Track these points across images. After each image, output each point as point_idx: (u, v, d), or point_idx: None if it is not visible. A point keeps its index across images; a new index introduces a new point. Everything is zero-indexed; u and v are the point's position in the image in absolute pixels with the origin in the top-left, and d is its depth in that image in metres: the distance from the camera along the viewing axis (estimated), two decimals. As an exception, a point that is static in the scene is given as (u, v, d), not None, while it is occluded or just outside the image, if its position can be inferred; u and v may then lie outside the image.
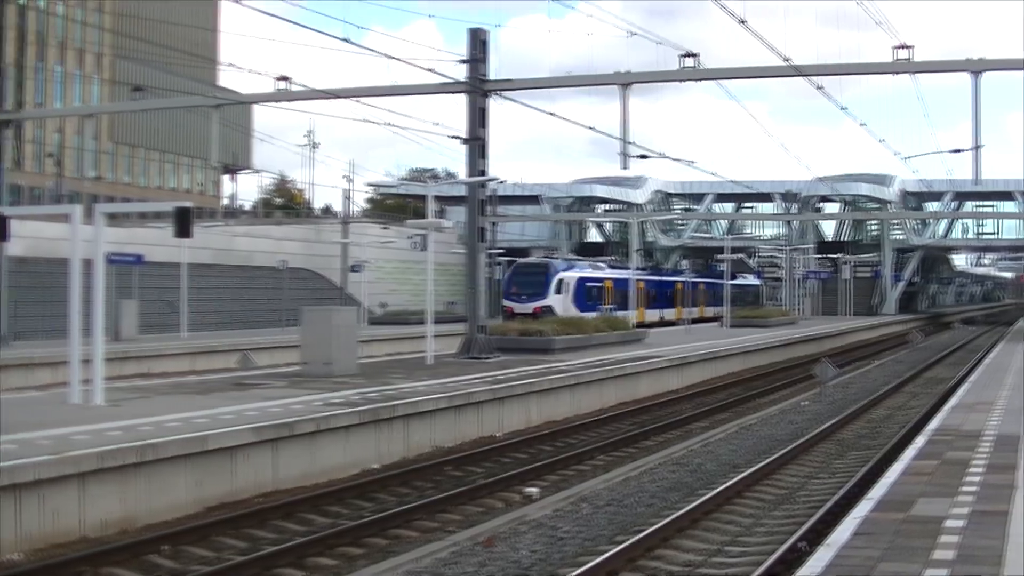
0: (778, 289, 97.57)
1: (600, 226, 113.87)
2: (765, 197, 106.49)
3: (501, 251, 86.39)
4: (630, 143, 37.41)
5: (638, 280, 73.77)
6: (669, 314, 78.85)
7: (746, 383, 41.07)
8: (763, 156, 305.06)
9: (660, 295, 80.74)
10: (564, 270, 70.45)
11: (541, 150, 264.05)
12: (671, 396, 35.48)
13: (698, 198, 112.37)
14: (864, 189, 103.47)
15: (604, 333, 43.91)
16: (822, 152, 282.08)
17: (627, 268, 73.77)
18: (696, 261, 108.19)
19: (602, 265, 77.39)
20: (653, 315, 77.05)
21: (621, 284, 70.75)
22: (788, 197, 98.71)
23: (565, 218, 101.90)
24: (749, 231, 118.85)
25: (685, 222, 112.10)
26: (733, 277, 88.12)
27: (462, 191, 43.07)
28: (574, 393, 30.62)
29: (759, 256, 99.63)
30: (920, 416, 27.46)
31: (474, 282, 37.73)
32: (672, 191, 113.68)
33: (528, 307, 64.84)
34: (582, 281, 70.46)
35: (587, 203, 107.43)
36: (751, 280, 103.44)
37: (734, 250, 78.25)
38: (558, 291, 67.69)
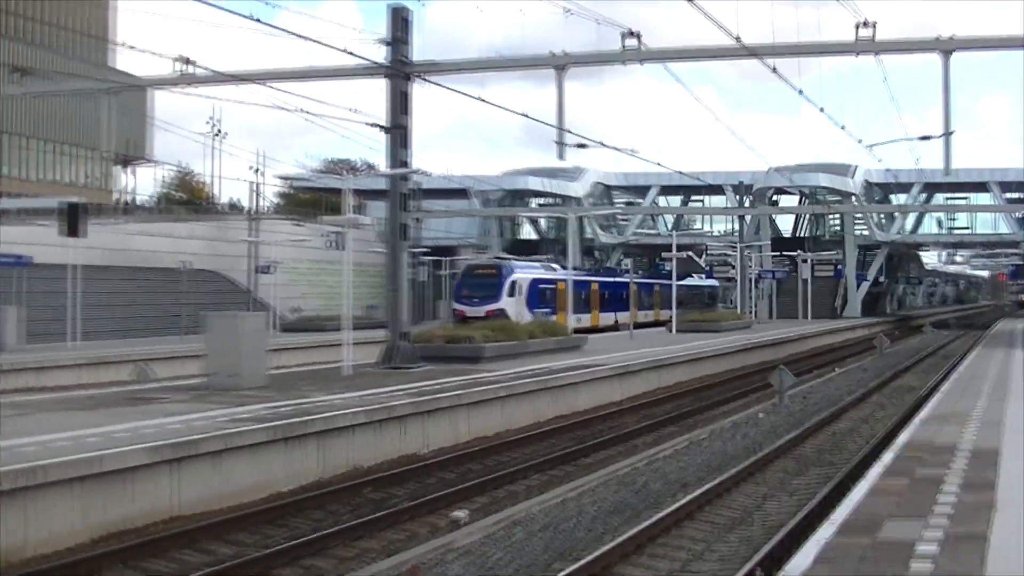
0: (730, 290, 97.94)
1: (534, 222, 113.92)
2: (715, 190, 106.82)
3: (426, 250, 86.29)
4: (567, 131, 37.41)
5: (592, 282, 74.51)
6: (624, 317, 79.52)
7: (696, 393, 41.16)
8: (713, 145, 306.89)
9: (615, 297, 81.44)
10: (517, 271, 71.09)
11: (470, 139, 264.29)
12: (613, 408, 35.48)
13: (642, 191, 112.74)
14: (823, 180, 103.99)
15: (539, 339, 43.91)
16: (777, 140, 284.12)
17: (580, 269, 74.85)
18: (640, 260, 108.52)
19: (555, 266, 78.03)
20: (608, 318, 78.21)
21: (575, 286, 71.60)
22: (740, 190, 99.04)
23: (496, 213, 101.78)
24: (698, 227, 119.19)
25: (628, 217, 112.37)
26: (683, 277, 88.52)
27: (383, 184, 42.84)
28: (506, 406, 30.53)
29: (709, 254, 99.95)
30: (888, 429, 27.56)
31: (396, 284, 37.59)
32: (613, 183, 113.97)
33: (480, 310, 65.75)
34: (535, 283, 71.33)
35: (520, 197, 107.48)
36: (708, 280, 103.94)
37: (682, 248, 78.47)
38: (511, 293, 68.64)
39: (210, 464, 19.44)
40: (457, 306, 70.25)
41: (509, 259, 77.23)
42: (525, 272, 72.24)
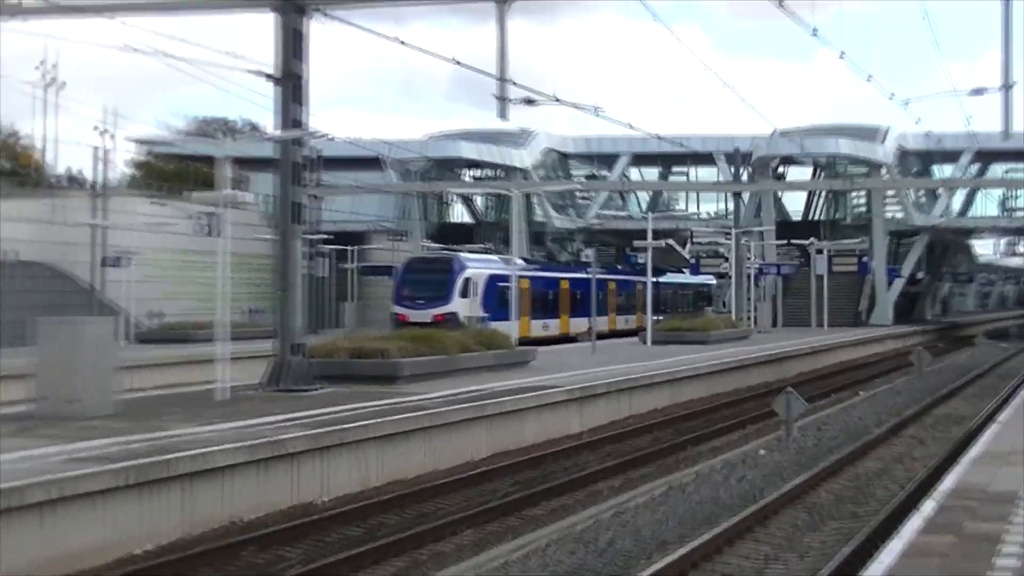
0: (723, 289, 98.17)
1: (468, 200, 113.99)
2: (704, 159, 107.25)
3: (327, 236, 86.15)
4: (510, 82, 37.39)
5: (562, 279, 75.34)
6: (601, 323, 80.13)
7: (677, 424, 41.30)
8: (701, 102, 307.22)
9: (589, 298, 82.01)
10: (471, 267, 72.17)
11: (385, 94, 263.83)
12: (570, 443, 35.56)
13: (608, 160, 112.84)
14: (844, 147, 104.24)
15: (474, 353, 43.89)
16: (785, 96, 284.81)
17: (537, 262, 75.76)
18: (607, 249, 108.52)
19: (517, 260, 78.49)
20: (580, 324, 79.01)
21: (540, 284, 72.40)
22: (736, 159, 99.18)
23: (418, 189, 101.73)
24: (681, 207, 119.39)
25: (590, 195, 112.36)
26: (662, 273, 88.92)
27: (270, 151, 42.78)
28: (430, 440, 30.47)
29: (695, 242, 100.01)
30: (929, 471, 27.64)
31: (287, 281, 37.47)
32: (571, 151, 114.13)
33: (427, 314, 67.86)
34: (493, 280, 72.47)
35: (450, 168, 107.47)
36: (701, 277, 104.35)
37: (660, 234, 78.59)
38: (464, 294, 70.31)
39: (38, 519, 19.26)
40: (398, 309, 72.25)
41: (459, 251, 78.12)
42: (481, 267, 73.19)
